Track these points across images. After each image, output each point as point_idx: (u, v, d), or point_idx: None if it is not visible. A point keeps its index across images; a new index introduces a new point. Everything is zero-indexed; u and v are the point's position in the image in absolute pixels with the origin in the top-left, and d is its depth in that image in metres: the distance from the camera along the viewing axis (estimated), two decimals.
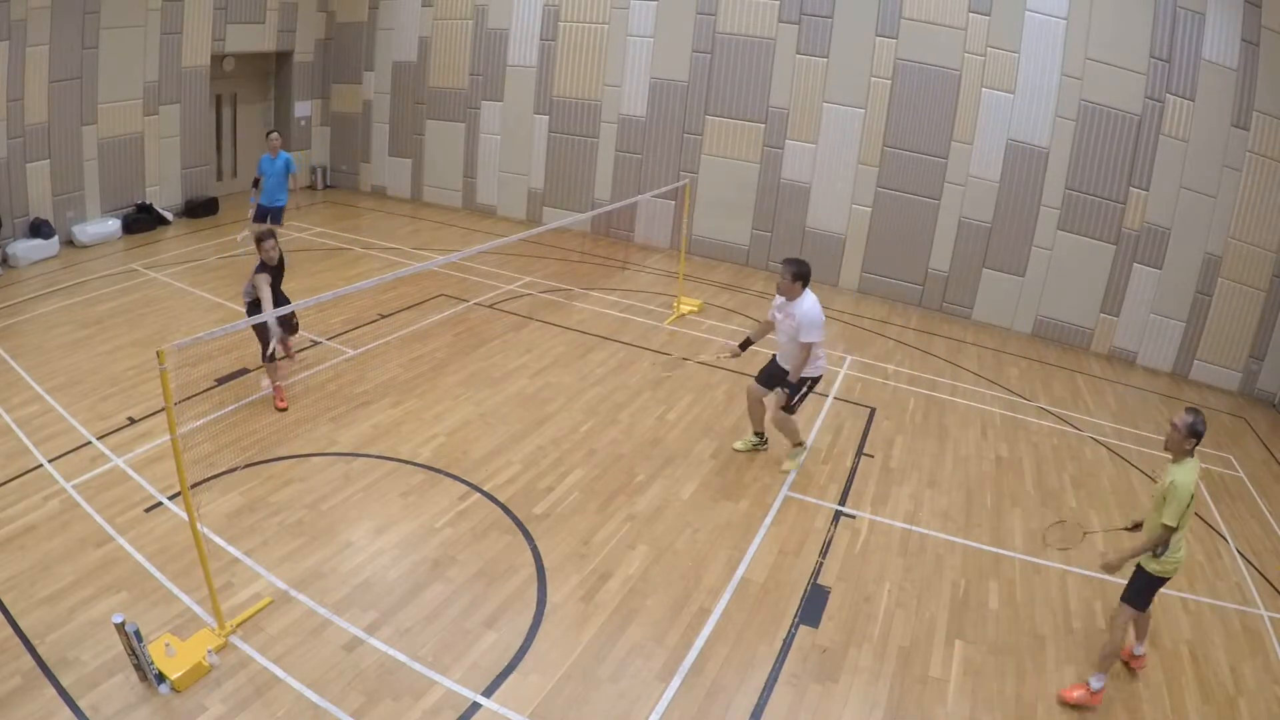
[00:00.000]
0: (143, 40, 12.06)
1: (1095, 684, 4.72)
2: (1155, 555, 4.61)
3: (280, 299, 7.29)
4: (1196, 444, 4.54)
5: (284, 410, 7.27)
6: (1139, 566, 4.72)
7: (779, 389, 6.64)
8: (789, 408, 6.59)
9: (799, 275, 6.25)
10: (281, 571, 5.22)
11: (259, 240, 7.21)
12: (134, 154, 12.39)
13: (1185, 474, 4.48)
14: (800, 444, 6.96)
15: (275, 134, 10.61)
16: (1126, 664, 5.07)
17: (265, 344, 6.90)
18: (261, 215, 10.47)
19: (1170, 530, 4.49)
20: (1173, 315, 10.50)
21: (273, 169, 10.33)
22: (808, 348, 6.28)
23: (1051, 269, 11.01)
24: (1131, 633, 5.03)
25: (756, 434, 7.18)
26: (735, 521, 6.22)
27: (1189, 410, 4.58)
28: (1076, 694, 4.74)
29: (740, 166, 12.54)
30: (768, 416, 6.93)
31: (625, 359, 9.00)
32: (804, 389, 6.58)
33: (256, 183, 10.47)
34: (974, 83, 10.88)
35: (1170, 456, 4.63)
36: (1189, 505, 4.47)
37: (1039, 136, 10.70)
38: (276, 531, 5.62)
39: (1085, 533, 5.88)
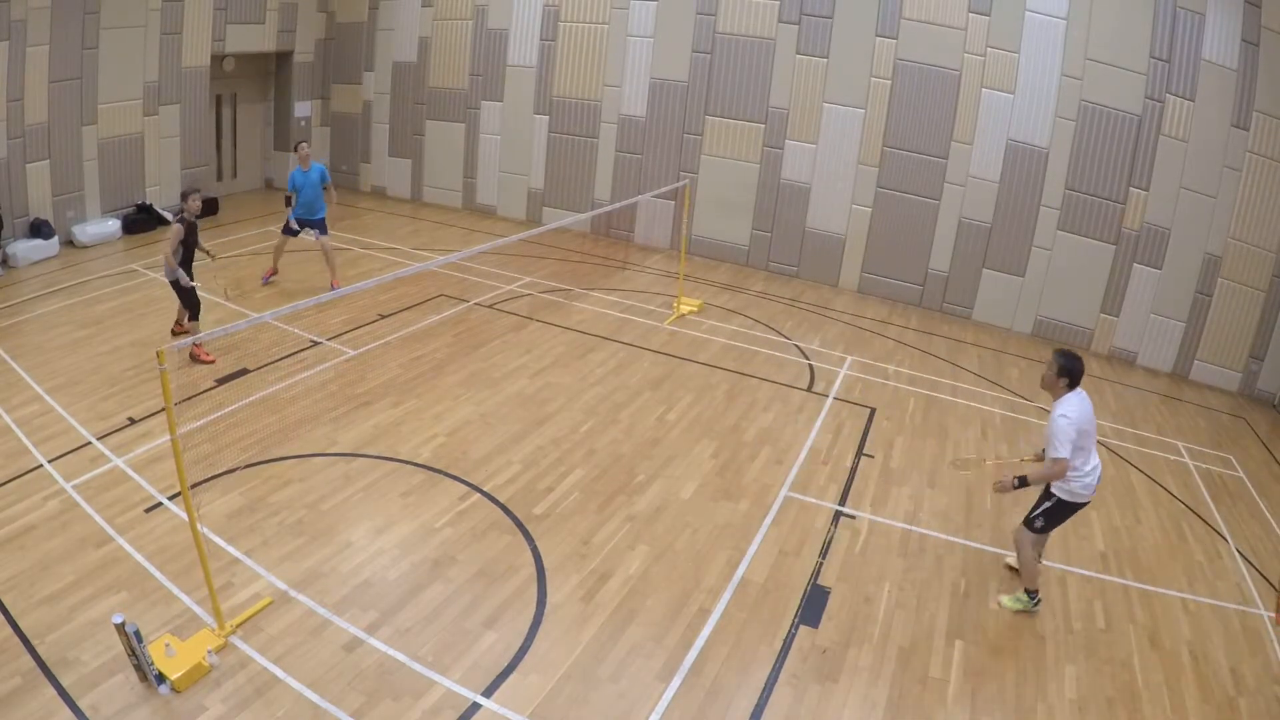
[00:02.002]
0: (143, 40, 12.05)
1: None
2: None
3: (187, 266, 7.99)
4: None
5: (212, 362, 7.99)
6: None
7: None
8: (1028, 520, 5.41)
9: (1065, 370, 5.06)
10: (281, 571, 5.22)
11: (185, 194, 7.89)
12: (134, 154, 12.39)
13: None
14: (1032, 593, 5.48)
15: (305, 144, 10.25)
16: None
17: (193, 306, 8.01)
18: (295, 229, 10.21)
19: None
20: (1173, 315, 10.50)
21: (306, 181, 10.02)
22: (1056, 464, 5.00)
23: (1051, 269, 11.01)
24: None
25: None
26: (735, 521, 6.22)
27: None
28: None
29: (740, 166, 12.54)
30: (1014, 541, 5.60)
31: (625, 359, 9.00)
32: (1050, 508, 5.28)
33: (289, 200, 10.18)
34: (974, 83, 10.88)
35: None
36: None
37: (1039, 136, 10.70)
38: (276, 531, 5.62)
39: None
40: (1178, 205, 10.16)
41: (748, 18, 11.98)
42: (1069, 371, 5.08)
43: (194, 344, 7.56)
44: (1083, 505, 5.29)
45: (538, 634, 4.91)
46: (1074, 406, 5.04)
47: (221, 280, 9.39)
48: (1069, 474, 5.09)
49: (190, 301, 8.06)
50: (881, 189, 11.74)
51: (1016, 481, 5.19)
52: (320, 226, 10.30)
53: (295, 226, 10.20)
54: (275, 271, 10.55)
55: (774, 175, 12.36)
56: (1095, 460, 5.20)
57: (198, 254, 8.19)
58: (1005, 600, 5.58)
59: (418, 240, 12.89)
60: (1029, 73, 10.56)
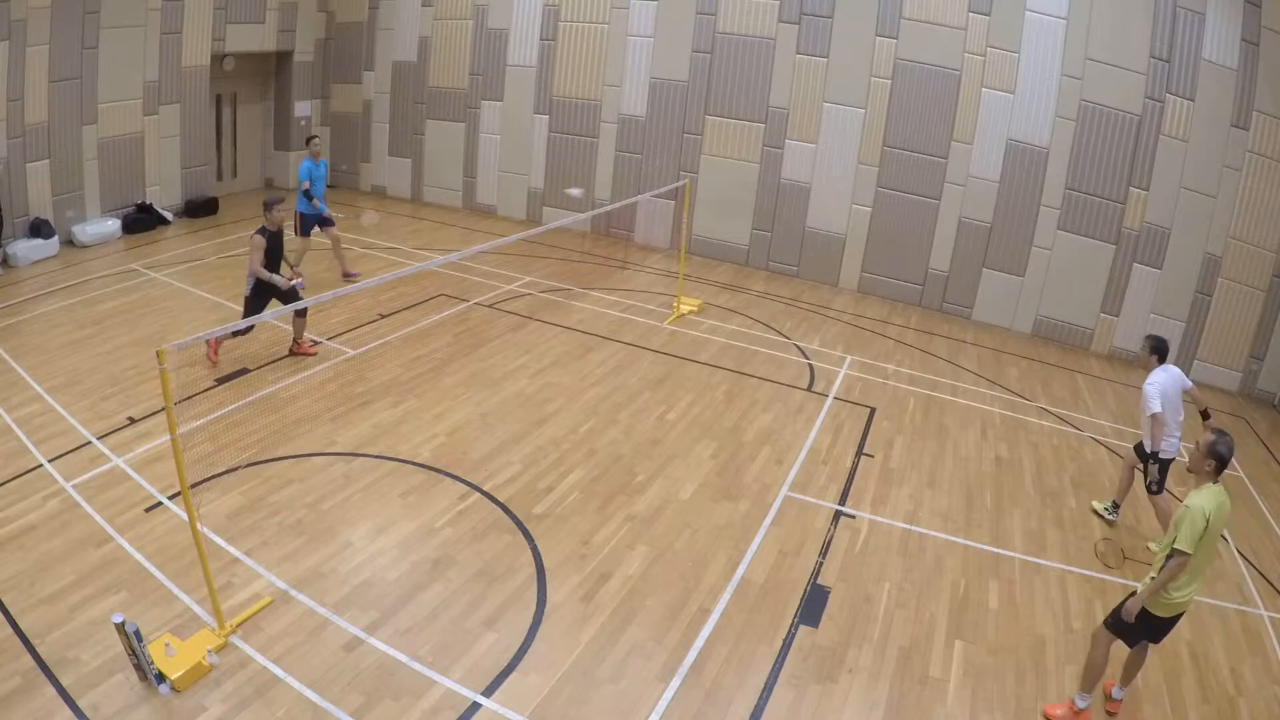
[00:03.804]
0: (143, 40, 12.06)
1: (1080, 703, 4.60)
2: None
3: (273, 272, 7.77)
4: (1218, 467, 4.24)
5: (313, 354, 8.22)
6: (1134, 594, 4.41)
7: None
8: (1148, 487, 6.37)
9: (1154, 349, 6.31)
10: (281, 571, 5.22)
11: (269, 205, 7.73)
12: (134, 154, 12.39)
13: (1201, 498, 4.20)
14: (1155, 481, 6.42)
15: (318, 139, 10.31)
16: (1106, 710, 4.77)
17: (250, 313, 7.58)
18: (310, 225, 10.28)
19: (1179, 555, 4.17)
20: (1173, 315, 10.50)
21: (320, 174, 10.12)
22: (1154, 418, 6.10)
23: (1051, 269, 11.01)
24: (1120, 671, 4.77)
25: (1114, 504, 6.82)
26: (735, 521, 6.22)
27: (1214, 430, 4.33)
28: (1059, 712, 4.62)
29: (740, 166, 12.54)
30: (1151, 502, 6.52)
31: (625, 359, 9.00)
32: (1156, 468, 6.25)
33: (307, 191, 10.08)
34: (974, 83, 10.88)
35: (1193, 478, 4.39)
36: (1204, 534, 4.14)
37: (1039, 136, 10.70)
38: (276, 531, 5.62)
39: (1126, 558, 5.84)
40: (1178, 205, 10.16)
41: (748, 17, 11.97)
42: (1157, 350, 6.28)
43: (295, 342, 8.32)
44: (1172, 460, 6.31)
45: (538, 634, 4.91)
46: (1159, 376, 6.19)
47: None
48: (1163, 433, 6.18)
49: (286, 299, 7.68)
50: (881, 189, 11.74)
51: (1146, 469, 6.31)
52: (328, 220, 10.44)
53: (329, 215, 10.32)
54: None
55: (774, 175, 12.35)
56: (1178, 426, 6.30)
57: (282, 264, 8.04)
58: (1151, 545, 6.43)
59: (418, 240, 12.88)
60: (1029, 73, 10.56)
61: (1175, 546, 4.21)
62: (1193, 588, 4.37)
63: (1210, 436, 4.28)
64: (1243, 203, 9.79)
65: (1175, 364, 10.54)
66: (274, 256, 7.81)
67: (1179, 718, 4.76)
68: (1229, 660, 5.30)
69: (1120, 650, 4.78)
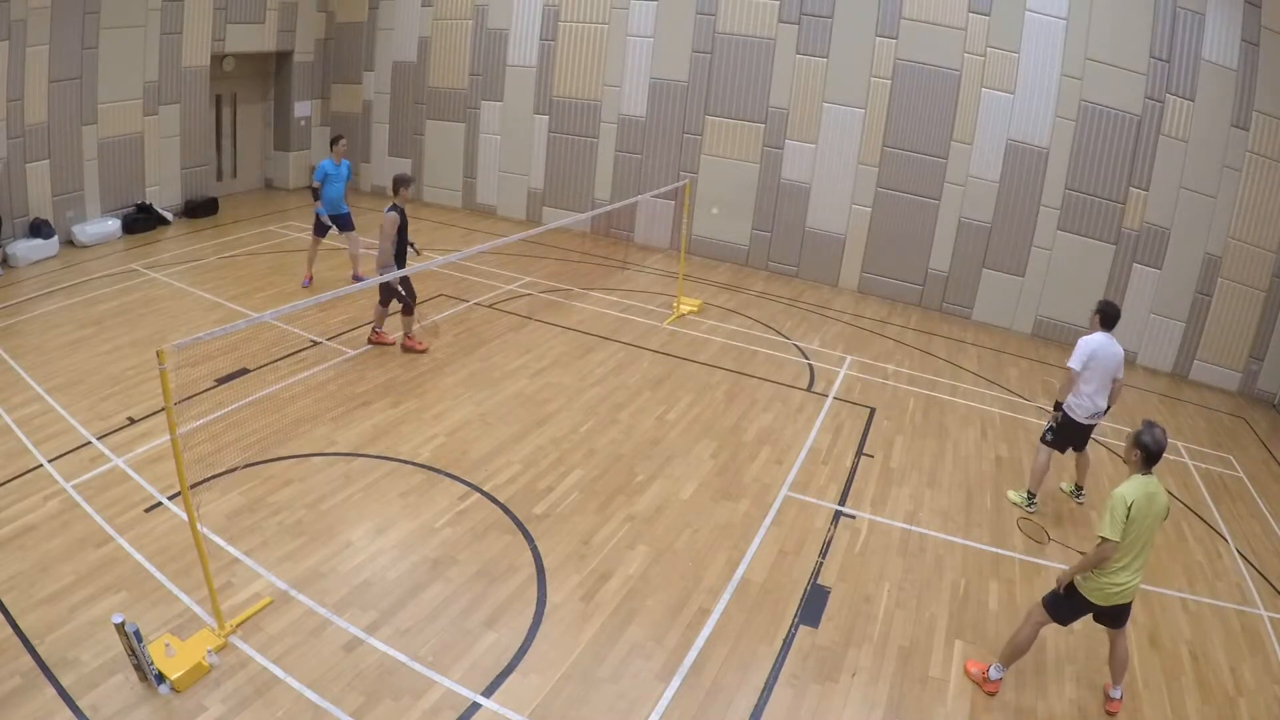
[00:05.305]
0: (143, 40, 12.05)
1: (994, 674, 4.74)
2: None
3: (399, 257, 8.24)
4: (1144, 459, 4.30)
5: (424, 351, 8.60)
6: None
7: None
8: (1043, 435, 6.70)
9: (1100, 312, 6.47)
10: (281, 571, 5.22)
11: (399, 182, 8.15)
12: (134, 154, 12.39)
13: (1125, 487, 4.28)
14: (1031, 495, 6.77)
15: (344, 140, 10.18)
16: (1106, 710, 4.77)
17: (401, 299, 8.21)
18: (325, 228, 10.19)
19: (1104, 543, 4.26)
20: (1173, 315, 10.50)
21: (338, 175, 9.95)
22: (1068, 372, 6.34)
23: (1051, 269, 11.01)
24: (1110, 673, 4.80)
25: (1077, 485, 7.06)
26: (735, 521, 6.22)
27: (1146, 421, 4.38)
28: (974, 669, 4.83)
29: (740, 166, 12.54)
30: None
31: (625, 359, 9.00)
32: (1060, 420, 6.53)
33: (316, 192, 10.00)
34: (974, 83, 10.88)
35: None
36: (1125, 523, 4.21)
37: (1039, 136, 10.70)
38: (276, 531, 5.62)
39: (1050, 539, 5.87)
40: (1178, 205, 10.16)
41: (748, 18, 11.98)
42: (1103, 313, 6.44)
43: (374, 330, 8.66)
44: (1083, 427, 6.51)
45: (538, 634, 4.91)
46: (1095, 338, 6.35)
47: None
48: (1072, 394, 6.39)
49: (387, 294, 8.29)
50: (881, 189, 11.74)
51: (1060, 416, 6.52)
52: (347, 222, 10.32)
53: (327, 222, 10.18)
54: (311, 278, 10.39)
55: (774, 175, 12.36)
56: (1101, 395, 6.42)
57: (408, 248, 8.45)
58: (1011, 494, 6.92)
59: (418, 240, 12.80)
60: (1029, 73, 10.56)
61: (1098, 533, 4.33)
62: (1129, 576, 4.39)
63: (1139, 427, 4.36)
64: (1243, 203, 9.79)
65: (1175, 363, 10.83)
66: (403, 236, 8.22)
67: (1179, 718, 4.76)
68: (1229, 660, 5.30)
69: (1102, 648, 4.81)
